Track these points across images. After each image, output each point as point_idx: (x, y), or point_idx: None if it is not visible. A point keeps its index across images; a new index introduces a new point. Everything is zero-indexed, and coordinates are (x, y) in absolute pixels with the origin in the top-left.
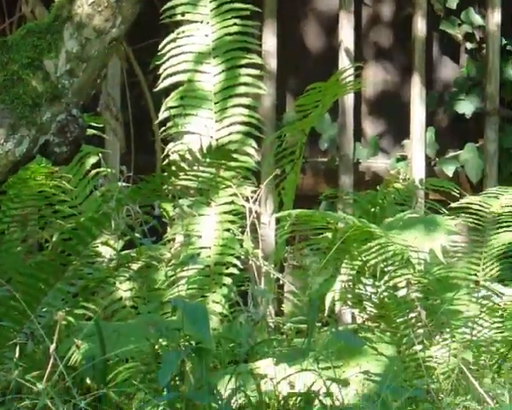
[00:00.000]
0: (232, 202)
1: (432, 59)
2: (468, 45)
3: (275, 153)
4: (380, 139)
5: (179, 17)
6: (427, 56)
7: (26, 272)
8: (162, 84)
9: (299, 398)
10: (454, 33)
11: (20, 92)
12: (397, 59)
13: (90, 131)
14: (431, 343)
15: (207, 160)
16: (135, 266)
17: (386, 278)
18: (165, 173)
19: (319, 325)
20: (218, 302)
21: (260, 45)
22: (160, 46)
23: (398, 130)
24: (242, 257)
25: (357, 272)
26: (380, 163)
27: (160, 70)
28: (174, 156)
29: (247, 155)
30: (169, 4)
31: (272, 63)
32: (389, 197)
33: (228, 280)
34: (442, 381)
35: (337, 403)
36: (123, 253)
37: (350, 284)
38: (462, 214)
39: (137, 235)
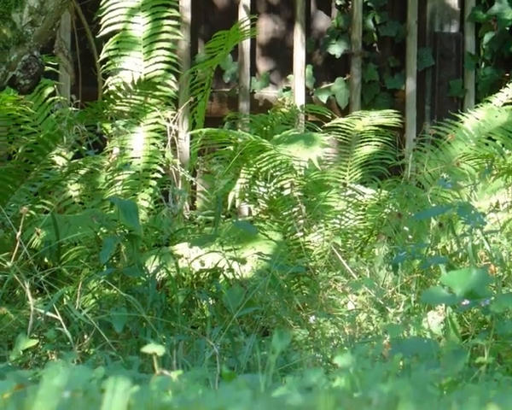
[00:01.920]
0: (156, 123)
1: (310, 12)
2: (338, 2)
3: (189, 85)
4: (270, 74)
5: None
6: (307, 11)
7: None
8: (103, 32)
9: (207, 273)
10: None
11: None
12: (283, 12)
13: (48, 68)
14: (309, 231)
15: (137, 90)
16: (82, 172)
17: (274, 180)
18: (105, 101)
19: (223, 217)
20: (145, 200)
21: (178, 2)
22: (102, 2)
23: (284, 67)
24: (164, 165)
25: (252, 176)
26: (270, 93)
27: (101, 21)
28: (112, 87)
29: (168, 86)
30: None
31: (187, 16)
32: (277, 119)
33: (153, 182)
34: (318, 260)
35: (237, 277)
36: (73, 161)
37: (247, 185)
38: (333, 132)
39: (84, 148)
